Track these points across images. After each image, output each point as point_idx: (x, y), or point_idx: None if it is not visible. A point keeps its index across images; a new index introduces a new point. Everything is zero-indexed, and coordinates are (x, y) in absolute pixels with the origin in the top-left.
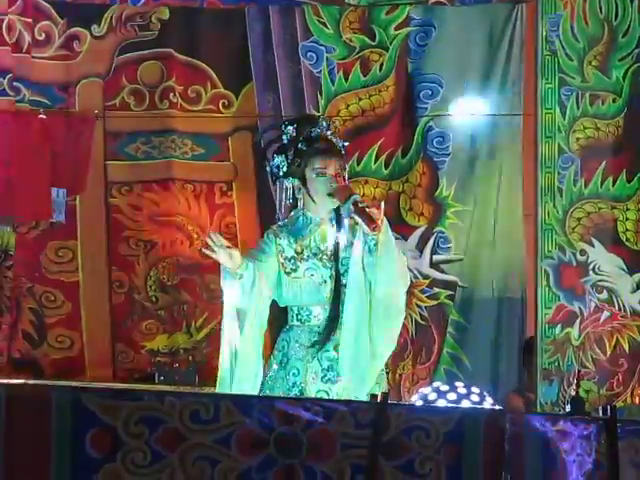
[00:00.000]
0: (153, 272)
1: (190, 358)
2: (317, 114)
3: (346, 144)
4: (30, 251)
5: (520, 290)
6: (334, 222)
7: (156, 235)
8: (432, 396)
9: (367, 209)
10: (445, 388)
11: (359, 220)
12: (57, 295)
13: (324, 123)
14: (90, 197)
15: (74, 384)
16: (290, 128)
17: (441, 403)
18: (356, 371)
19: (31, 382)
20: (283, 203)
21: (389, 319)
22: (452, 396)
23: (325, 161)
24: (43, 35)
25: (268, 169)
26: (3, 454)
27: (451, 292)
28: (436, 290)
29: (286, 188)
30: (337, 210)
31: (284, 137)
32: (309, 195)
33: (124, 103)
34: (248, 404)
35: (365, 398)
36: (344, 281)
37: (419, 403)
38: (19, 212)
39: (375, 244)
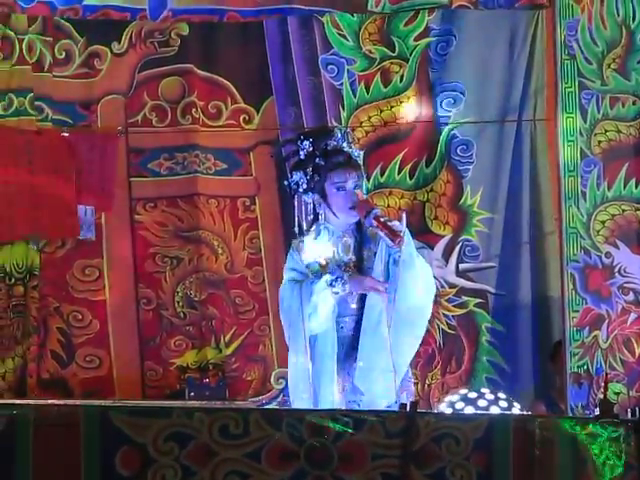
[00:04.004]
0: (180, 288)
1: (220, 373)
2: (334, 125)
3: (361, 152)
4: (57, 270)
5: (554, 294)
6: (356, 234)
7: (182, 251)
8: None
9: (388, 223)
10: (455, 398)
11: (381, 234)
12: (84, 314)
13: (339, 134)
14: (115, 214)
15: (104, 403)
16: (306, 143)
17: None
18: (374, 384)
19: (59, 402)
20: (303, 218)
21: (412, 330)
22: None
23: (344, 174)
24: (64, 54)
25: (287, 185)
26: (33, 475)
27: (480, 300)
28: (464, 298)
29: (306, 203)
30: (358, 221)
31: (301, 153)
32: (330, 209)
33: (146, 119)
34: (277, 417)
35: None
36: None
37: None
38: (46, 230)
39: (399, 257)
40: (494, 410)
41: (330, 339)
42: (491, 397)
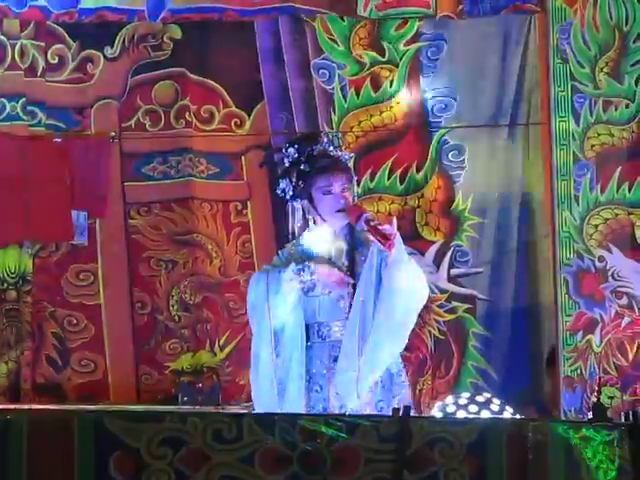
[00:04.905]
0: (175, 291)
1: (214, 377)
2: (324, 130)
3: (351, 156)
4: (51, 275)
5: (545, 299)
6: (349, 237)
7: (176, 254)
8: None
9: (379, 227)
10: (450, 400)
11: (372, 238)
12: (79, 318)
13: (325, 139)
14: (109, 219)
15: (98, 408)
16: (291, 150)
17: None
18: (342, 379)
19: (53, 407)
20: (295, 224)
21: (397, 332)
22: (452, 408)
23: (330, 178)
24: (56, 59)
25: (276, 193)
26: None
27: (469, 305)
28: (454, 304)
29: (296, 209)
30: (350, 224)
31: (286, 160)
32: (319, 214)
33: (140, 124)
34: (270, 422)
35: (354, 409)
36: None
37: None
38: (39, 235)
39: (388, 261)
40: (507, 415)
41: (299, 334)
42: (498, 402)
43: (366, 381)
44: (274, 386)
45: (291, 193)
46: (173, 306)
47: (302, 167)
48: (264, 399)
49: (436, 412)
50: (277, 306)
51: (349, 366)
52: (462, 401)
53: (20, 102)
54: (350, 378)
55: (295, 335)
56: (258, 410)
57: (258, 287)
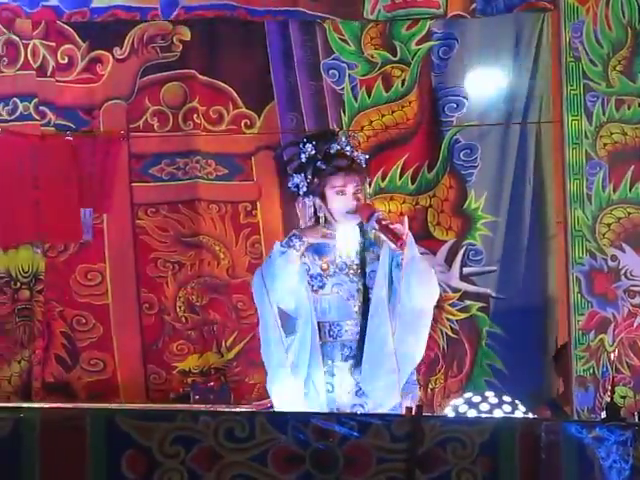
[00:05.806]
0: (182, 293)
1: (222, 377)
2: (338, 129)
3: (367, 157)
4: (60, 275)
5: (557, 298)
6: (359, 237)
7: (184, 256)
8: (463, 408)
9: (390, 226)
10: (477, 399)
11: (384, 237)
12: (88, 318)
13: (343, 138)
14: (117, 219)
15: (108, 406)
16: (309, 146)
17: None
18: (378, 386)
19: (66, 405)
20: (306, 221)
21: (416, 332)
22: (485, 407)
23: (344, 179)
24: (66, 59)
25: (288, 187)
26: (39, 478)
27: (483, 304)
28: (467, 303)
29: (307, 206)
30: (361, 224)
31: (302, 155)
32: (330, 213)
33: (148, 125)
34: (283, 421)
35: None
36: (372, 295)
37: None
38: (49, 235)
39: (401, 259)
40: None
41: (310, 320)
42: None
43: (401, 383)
44: (287, 365)
45: (305, 189)
46: (180, 307)
47: (318, 164)
48: (280, 381)
49: (462, 405)
50: (273, 280)
51: (384, 372)
52: (492, 400)
53: (32, 102)
54: (390, 383)
55: (307, 325)
56: (276, 396)
57: (256, 278)
